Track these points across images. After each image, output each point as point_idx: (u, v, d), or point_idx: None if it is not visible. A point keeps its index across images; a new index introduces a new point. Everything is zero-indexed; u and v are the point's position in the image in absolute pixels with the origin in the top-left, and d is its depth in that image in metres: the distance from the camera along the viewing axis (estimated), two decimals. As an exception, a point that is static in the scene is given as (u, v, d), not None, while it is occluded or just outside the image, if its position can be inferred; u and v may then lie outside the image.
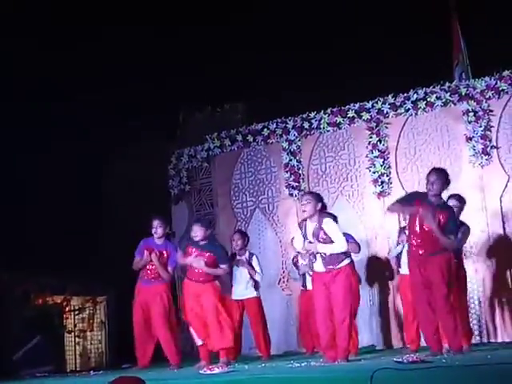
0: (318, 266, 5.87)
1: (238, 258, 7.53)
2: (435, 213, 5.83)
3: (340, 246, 5.81)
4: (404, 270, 6.96)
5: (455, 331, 5.82)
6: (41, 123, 8.70)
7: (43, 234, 8.72)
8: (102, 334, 9.31)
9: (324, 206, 5.97)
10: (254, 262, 7.58)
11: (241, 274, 7.47)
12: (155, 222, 7.10)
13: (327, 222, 5.85)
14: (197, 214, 9.51)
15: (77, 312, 9.18)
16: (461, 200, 6.66)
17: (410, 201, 6.11)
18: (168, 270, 7.11)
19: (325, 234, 5.81)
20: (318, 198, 5.97)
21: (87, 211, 9.20)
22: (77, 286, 9.03)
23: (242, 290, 7.44)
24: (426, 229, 5.85)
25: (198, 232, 6.54)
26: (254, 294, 7.54)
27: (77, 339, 9.15)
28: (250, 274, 7.50)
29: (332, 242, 5.80)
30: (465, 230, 6.56)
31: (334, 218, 6.02)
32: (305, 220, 5.97)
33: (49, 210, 8.73)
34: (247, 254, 7.65)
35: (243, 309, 7.54)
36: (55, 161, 8.91)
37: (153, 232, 7.12)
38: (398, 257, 7.22)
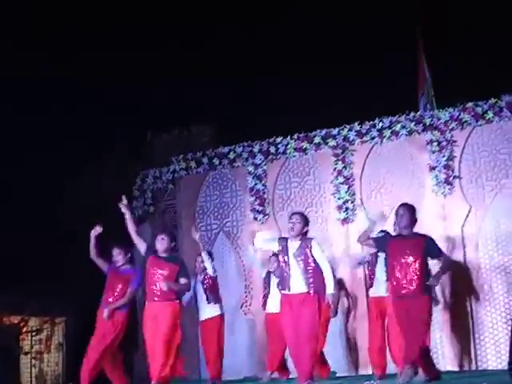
0: (297, 287, 5.87)
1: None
2: (411, 246, 5.83)
3: (330, 270, 5.93)
4: (375, 291, 6.94)
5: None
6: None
7: (1, 254, 8.57)
8: (59, 356, 9.15)
9: (307, 231, 6.08)
10: (206, 261, 7.51)
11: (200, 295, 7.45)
12: (114, 252, 6.86)
13: (315, 246, 5.97)
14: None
15: (34, 333, 9.01)
16: None
17: (383, 239, 6.14)
18: (127, 295, 6.76)
19: (312, 256, 5.89)
20: (307, 220, 6.13)
21: (48, 231, 9.08)
22: (35, 306, 8.87)
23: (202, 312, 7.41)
24: (409, 264, 5.77)
25: (164, 242, 6.48)
26: (212, 314, 7.48)
27: (33, 361, 8.97)
28: (207, 293, 7.44)
29: (317, 265, 5.87)
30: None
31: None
32: (284, 238, 6.04)
33: (8, 230, 8.59)
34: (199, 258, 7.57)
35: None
36: (16, 177, 8.79)
37: (113, 260, 6.89)
38: (371, 278, 7.11)
